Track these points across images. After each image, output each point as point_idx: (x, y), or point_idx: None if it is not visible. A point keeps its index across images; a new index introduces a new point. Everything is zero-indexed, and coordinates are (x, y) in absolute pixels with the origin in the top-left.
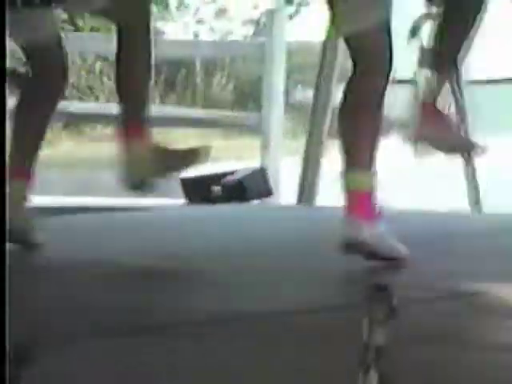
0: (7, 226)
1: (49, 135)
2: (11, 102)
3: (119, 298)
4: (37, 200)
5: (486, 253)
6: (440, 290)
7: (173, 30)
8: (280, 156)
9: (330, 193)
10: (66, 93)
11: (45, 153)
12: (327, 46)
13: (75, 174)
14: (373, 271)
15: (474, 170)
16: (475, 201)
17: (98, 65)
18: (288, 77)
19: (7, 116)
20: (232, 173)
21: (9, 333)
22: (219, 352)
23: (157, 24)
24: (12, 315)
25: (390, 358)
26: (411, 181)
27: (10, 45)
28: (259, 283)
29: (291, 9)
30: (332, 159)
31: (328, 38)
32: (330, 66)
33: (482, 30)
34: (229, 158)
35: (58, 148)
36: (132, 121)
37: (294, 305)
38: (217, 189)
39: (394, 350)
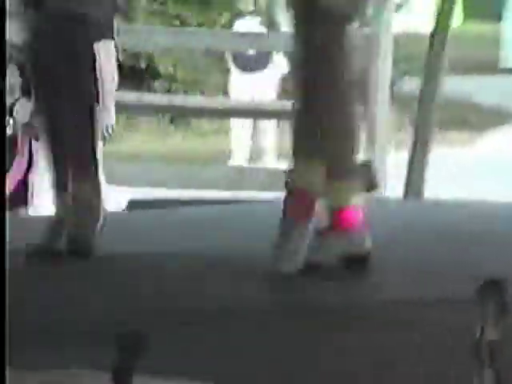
0: (7, 227)
1: (157, 129)
2: None
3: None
4: (145, 192)
5: None
6: None
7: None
8: (386, 148)
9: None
10: (173, 87)
11: (153, 146)
12: (435, 37)
13: (182, 168)
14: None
15: None
16: None
17: (205, 59)
18: (394, 67)
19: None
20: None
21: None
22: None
23: None
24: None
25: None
26: None
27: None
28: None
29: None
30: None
31: (437, 28)
32: (438, 57)
33: None
34: None
35: (165, 142)
36: None
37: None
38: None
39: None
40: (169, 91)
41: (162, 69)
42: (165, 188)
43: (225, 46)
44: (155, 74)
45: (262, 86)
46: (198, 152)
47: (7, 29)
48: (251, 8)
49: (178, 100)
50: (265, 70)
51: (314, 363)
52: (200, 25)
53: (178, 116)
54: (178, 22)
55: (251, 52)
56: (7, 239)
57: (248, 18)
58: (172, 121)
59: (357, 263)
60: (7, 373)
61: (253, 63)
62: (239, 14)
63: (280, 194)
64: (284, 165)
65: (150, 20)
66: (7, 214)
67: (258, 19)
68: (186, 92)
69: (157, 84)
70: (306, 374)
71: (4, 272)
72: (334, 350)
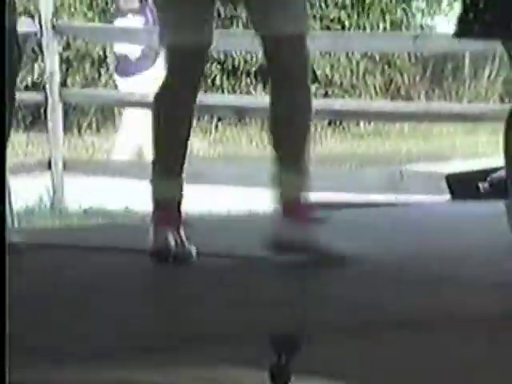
0: (7, 227)
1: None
2: None
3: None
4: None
5: None
6: None
7: (443, 23)
8: None
9: None
10: (330, 91)
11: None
12: None
13: (340, 170)
14: None
15: None
16: None
17: (363, 63)
18: None
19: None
20: (500, 169)
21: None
22: None
23: (426, 19)
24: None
25: None
26: None
27: None
28: None
29: None
30: None
31: None
32: None
33: None
34: (497, 153)
35: (323, 145)
36: None
37: None
38: (484, 185)
39: None
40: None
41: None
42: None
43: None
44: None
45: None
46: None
47: (7, 29)
48: None
49: (336, 104)
50: (146, 72)
51: None
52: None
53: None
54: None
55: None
56: (7, 240)
57: None
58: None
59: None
60: (7, 373)
61: (133, 67)
62: None
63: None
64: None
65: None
66: (7, 214)
67: None
68: (344, 97)
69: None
70: None
71: (4, 272)
72: None
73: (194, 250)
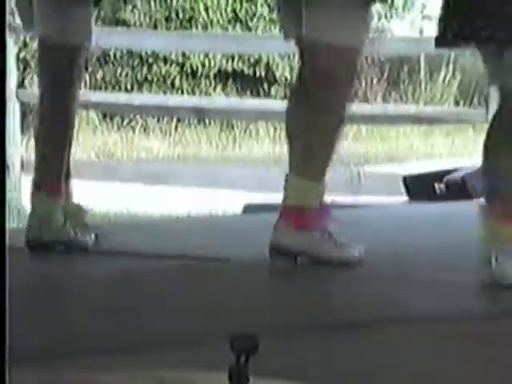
0: (7, 227)
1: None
2: None
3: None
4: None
5: None
6: None
7: (398, 27)
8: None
9: None
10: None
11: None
12: None
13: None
14: None
15: None
16: None
17: None
18: None
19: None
20: (456, 170)
21: None
22: None
23: (383, 22)
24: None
25: None
26: None
27: None
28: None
29: None
30: None
31: None
32: None
33: None
34: (453, 155)
35: (282, 146)
36: None
37: None
38: (440, 186)
39: None
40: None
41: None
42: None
43: None
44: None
45: None
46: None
47: (7, 29)
48: None
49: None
50: None
51: None
52: None
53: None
54: None
55: None
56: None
57: None
58: None
59: None
60: (7, 372)
61: None
62: None
63: None
64: None
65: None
66: (7, 213)
67: None
68: None
69: (273, 90)
70: None
71: (4, 272)
72: None
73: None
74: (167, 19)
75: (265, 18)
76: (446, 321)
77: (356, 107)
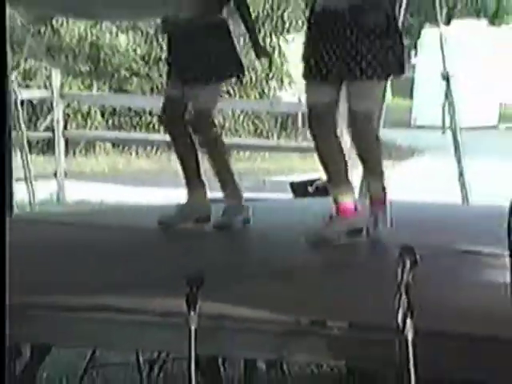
0: (7, 226)
1: None
2: None
3: None
4: None
5: None
6: None
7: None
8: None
9: None
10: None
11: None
12: None
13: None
14: None
15: None
16: None
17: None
18: None
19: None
20: (318, 179)
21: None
22: None
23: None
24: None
25: None
26: None
27: None
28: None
29: None
30: None
31: None
32: None
33: None
34: (312, 170)
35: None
36: None
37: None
38: (312, 188)
39: None
40: None
41: None
42: None
43: None
44: None
45: None
46: None
47: (7, 30)
48: None
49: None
50: None
51: None
52: None
53: None
54: None
55: None
56: (7, 239)
57: None
58: None
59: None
60: (6, 371)
61: None
62: None
63: None
64: None
65: None
66: (7, 213)
67: None
68: None
69: None
70: None
71: (4, 272)
72: None
73: None
74: None
75: None
76: None
77: (262, 141)
